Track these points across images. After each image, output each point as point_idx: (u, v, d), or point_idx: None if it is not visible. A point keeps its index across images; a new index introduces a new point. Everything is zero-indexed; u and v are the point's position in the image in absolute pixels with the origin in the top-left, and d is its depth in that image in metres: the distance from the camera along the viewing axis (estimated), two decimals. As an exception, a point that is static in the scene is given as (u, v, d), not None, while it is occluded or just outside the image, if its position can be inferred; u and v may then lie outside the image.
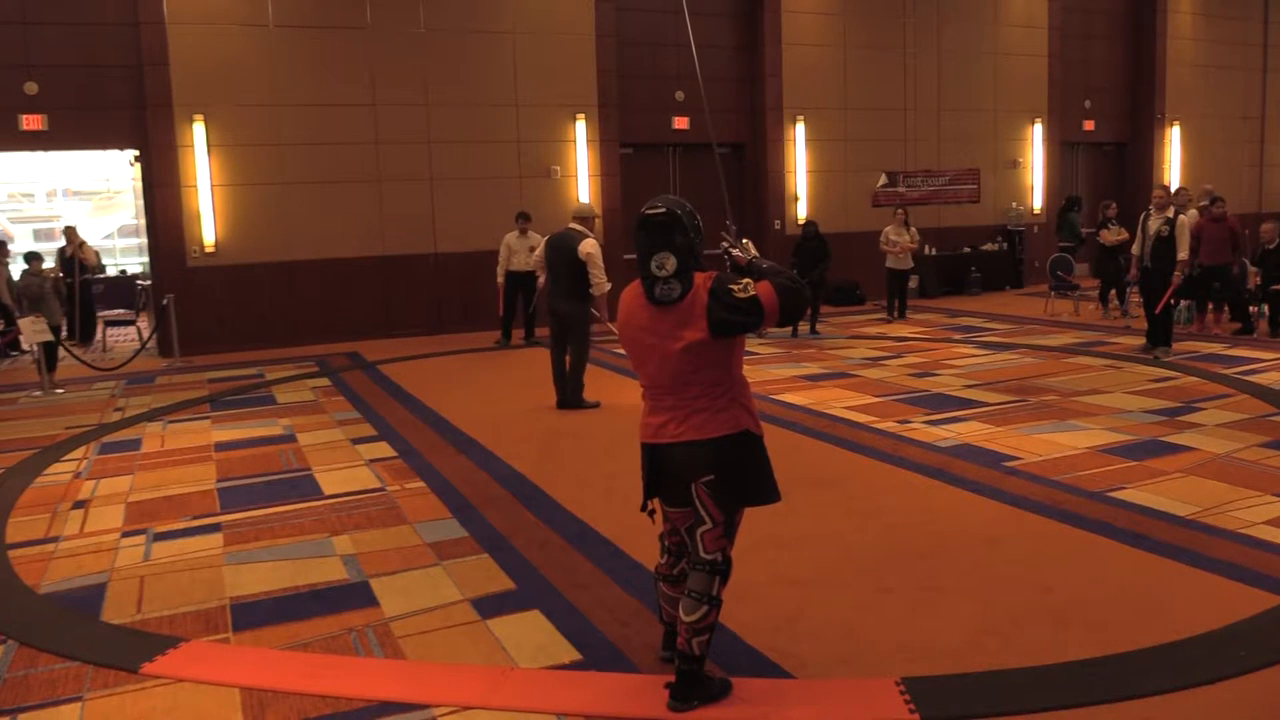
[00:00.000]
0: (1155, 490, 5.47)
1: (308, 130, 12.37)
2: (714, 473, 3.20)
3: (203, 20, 11.85)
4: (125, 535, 5.31)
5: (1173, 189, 14.48)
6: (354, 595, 4.36)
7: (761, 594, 4.21)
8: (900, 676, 3.45)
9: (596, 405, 8.18)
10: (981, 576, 4.37)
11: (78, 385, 10.20)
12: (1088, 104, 18.33)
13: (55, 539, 5.29)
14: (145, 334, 12.52)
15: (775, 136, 15.22)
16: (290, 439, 7.45)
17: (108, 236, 20.08)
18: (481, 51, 13.14)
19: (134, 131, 11.95)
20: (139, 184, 13.66)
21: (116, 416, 8.54)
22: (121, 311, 14.36)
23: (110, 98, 11.75)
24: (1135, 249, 10.09)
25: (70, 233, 13.78)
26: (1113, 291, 13.10)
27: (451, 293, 13.14)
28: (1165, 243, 9.63)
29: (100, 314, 13.99)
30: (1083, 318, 13.01)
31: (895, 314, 13.33)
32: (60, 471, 6.73)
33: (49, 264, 11.87)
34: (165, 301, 11.52)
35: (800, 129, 15.35)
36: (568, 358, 8.22)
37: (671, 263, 3.14)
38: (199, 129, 11.88)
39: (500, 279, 11.85)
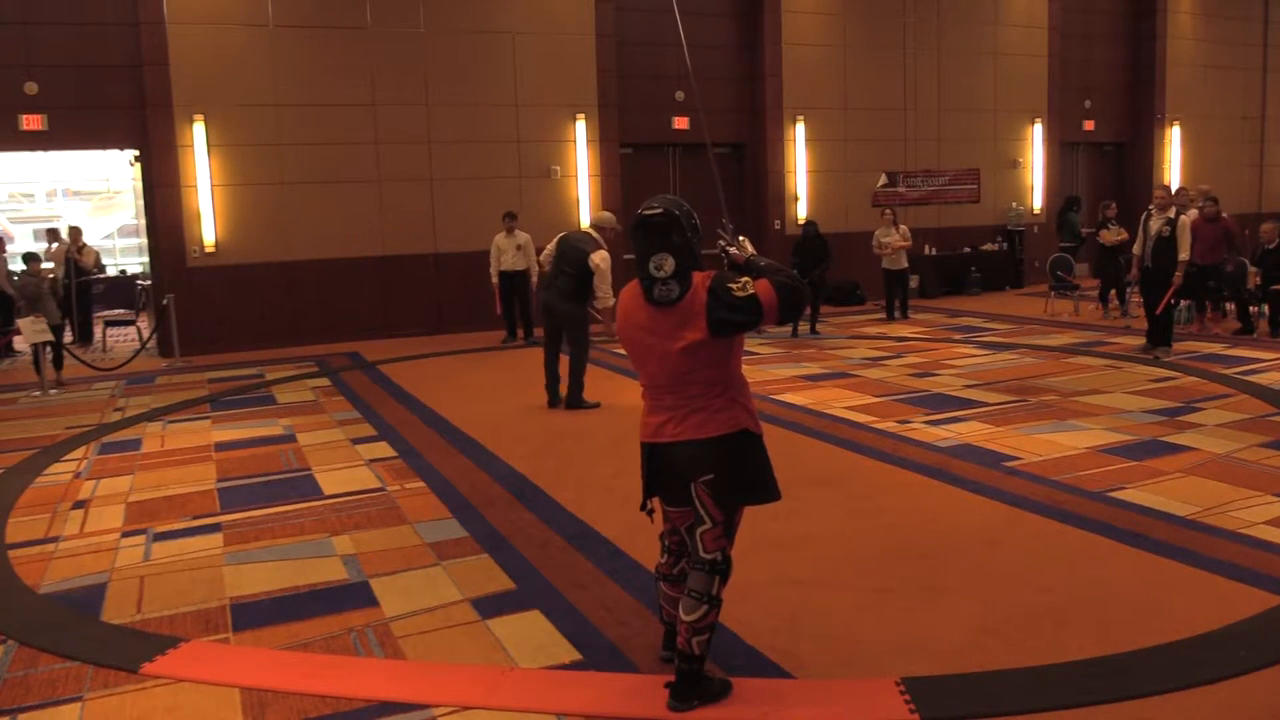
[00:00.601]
0: (1155, 490, 5.47)
1: (308, 130, 12.37)
2: (713, 472, 3.20)
3: (203, 20, 11.85)
4: (125, 535, 5.31)
5: (1173, 189, 14.49)
6: (354, 595, 4.35)
7: (761, 594, 4.20)
8: (900, 676, 3.45)
9: (597, 405, 8.18)
10: (981, 576, 4.37)
11: (78, 385, 10.20)
12: (1088, 104, 18.33)
13: (55, 539, 5.29)
14: (145, 334, 12.52)
15: (775, 136, 15.22)
16: (290, 439, 7.45)
17: (108, 236, 20.09)
18: (481, 51, 13.14)
19: (134, 131, 11.95)
20: (139, 184, 13.66)
21: (116, 416, 8.54)
22: (121, 311, 14.36)
23: (110, 98, 11.75)
24: (1136, 249, 10.09)
25: (75, 232, 13.80)
26: (1113, 291, 13.10)
27: (451, 293, 13.14)
28: (1166, 243, 9.64)
29: (100, 314, 13.99)
30: (1083, 318, 13.01)
31: (899, 314, 13.29)
32: (60, 471, 6.73)
33: (45, 263, 11.86)
34: (165, 301, 11.52)
35: (800, 129, 15.36)
36: (563, 357, 8.23)
37: (670, 263, 3.14)
38: (199, 129, 11.88)
39: (494, 279, 11.91)
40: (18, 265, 12.44)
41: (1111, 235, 13.04)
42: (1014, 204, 17.27)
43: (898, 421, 7.35)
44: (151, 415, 8.53)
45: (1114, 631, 3.75)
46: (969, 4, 16.57)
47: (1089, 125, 18.47)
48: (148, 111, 11.76)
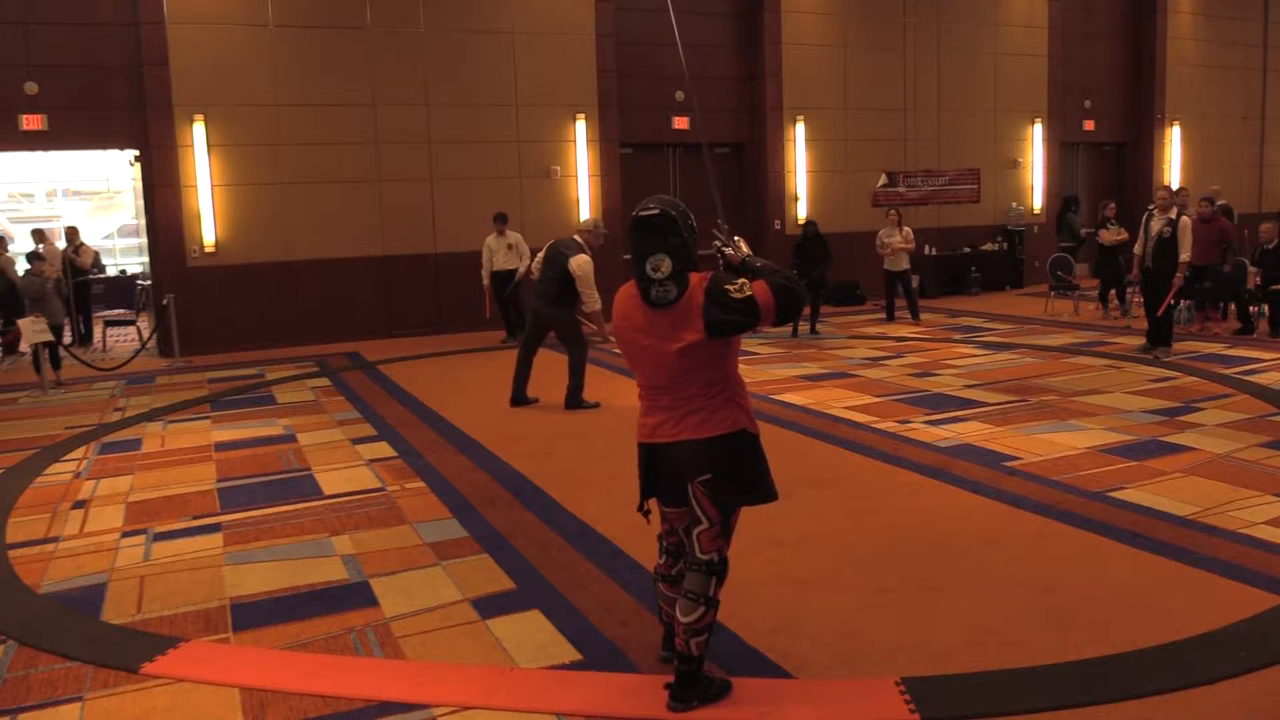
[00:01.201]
0: (1155, 490, 5.47)
1: (308, 130, 12.37)
2: (711, 472, 3.19)
3: (203, 20, 11.85)
4: (125, 535, 5.31)
5: (1174, 189, 14.48)
6: (354, 595, 4.35)
7: (761, 594, 4.21)
8: (900, 676, 3.45)
9: (596, 406, 8.19)
10: (981, 576, 4.37)
11: (78, 385, 10.20)
12: (1088, 104, 18.33)
13: (55, 539, 5.29)
14: (145, 334, 12.52)
15: (775, 136, 15.22)
16: (290, 439, 7.45)
17: (108, 236, 20.08)
18: (481, 51, 13.14)
19: (134, 131, 11.95)
20: (139, 184, 13.66)
21: (116, 416, 8.54)
22: (121, 311, 14.36)
23: (110, 98, 11.76)
24: (1137, 249, 10.08)
25: (71, 232, 13.80)
26: (1113, 291, 13.11)
27: (451, 293, 13.14)
28: (1167, 243, 9.64)
29: (100, 314, 13.99)
30: (1083, 318, 13.01)
31: (909, 315, 13.21)
32: (60, 471, 6.73)
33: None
34: (165, 301, 11.53)
35: (800, 129, 15.36)
36: (562, 359, 8.25)
37: (667, 264, 3.12)
38: (199, 129, 11.88)
39: (486, 281, 11.93)
40: (20, 265, 12.44)
41: (1111, 235, 13.05)
42: (1014, 204, 17.27)
43: (898, 421, 7.35)
44: (151, 415, 8.53)
45: (1114, 631, 3.75)
46: (969, 4, 16.57)
47: (1089, 125, 18.47)
48: (148, 111, 11.76)
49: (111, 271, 17.36)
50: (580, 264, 7.89)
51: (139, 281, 15.50)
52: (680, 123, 14.79)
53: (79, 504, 5.93)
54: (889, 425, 7.24)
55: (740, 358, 3.46)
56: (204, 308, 12.04)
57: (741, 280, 3.14)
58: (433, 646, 3.83)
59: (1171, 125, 18.76)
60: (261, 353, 12.05)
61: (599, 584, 4.40)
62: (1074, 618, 3.90)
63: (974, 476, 5.86)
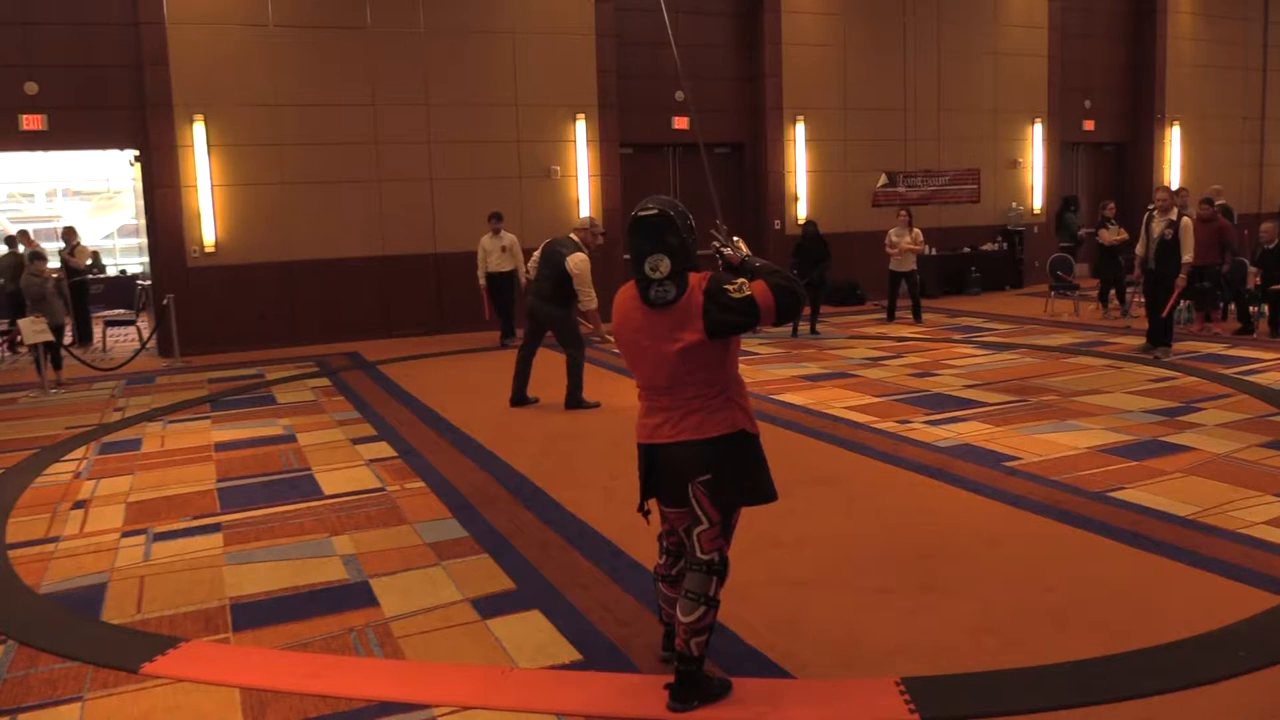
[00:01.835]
0: (1155, 490, 5.47)
1: (308, 130, 12.37)
2: (711, 472, 3.19)
3: (203, 20, 11.85)
4: (125, 535, 5.31)
5: (1173, 189, 14.48)
6: (354, 595, 4.36)
7: (761, 594, 4.21)
8: (900, 676, 3.45)
9: (596, 405, 8.19)
10: (981, 576, 4.37)
11: (78, 385, 10.20)
12: (1088, 104, 18.33)
13: (55, 539, 5.29)
14: (145, 334, 12.52)
15: (775, 136, 15.22)
16: (290, 439, 7.45)
17: (108, 236, 20.09)
18: (481, 51, 13.14)
19: (134, 131, 11.95)
20: (139, 184, 13.66)
21: (116, 416, 8.54)
22: (121, 311, 14.36)
23: (110, 98, 11.76)
24: (1139, 249, 10.06)
25: (68, 233, 13.80)
26: (1113, 291, 13.10)
27: (451, 293, 13.14)
28: (1169, 245, 9.63)
29: (100, 314, 13.98)
30: (1083, 318, 13.01)
31: (912, 317, 13.18)
32: (60, 471, 6.73)
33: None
34: (165, 301, 11.53)
35: (800, 129, 15.36)
36: (561, 359, 8.25)
37: (666, 265, 3.12)
38: (199, 129, 11.88)
39: (482, 281, 11.89)
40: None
41: (1111, 235, 13.05)
42: (1014, 204, 17.27)
43: (898, 421, 7.35)
44: (151, 415, 8.53)
45: (1114, 631, 3.75)
46: (969, 4, 16.56)
47: (1089, 125, 18.47)
48: (148, 111, 11.76)
49: (111, 271, 17.37)
50: (577, 262, 7.88)
51: (139, 281, 15.50)
52: (680, 123, 14.79)
53: (79, 504, 5.93)
54: (889, 425, 7.24)
55: (740, 358, 3.47)
56: (204, 308, 12.04)
57: (740, 280, 3.13)
58: (433, 646, 3.83)
59: (1171, 125, 18.75)
60: (261, 353, 12.05)
61: (599, 584, 4.40)
62: (1074, 618, 3.90)
63: (974, 476, 5.86)
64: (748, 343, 11.36)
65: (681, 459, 3.22)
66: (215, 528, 5.37)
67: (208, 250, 12.13)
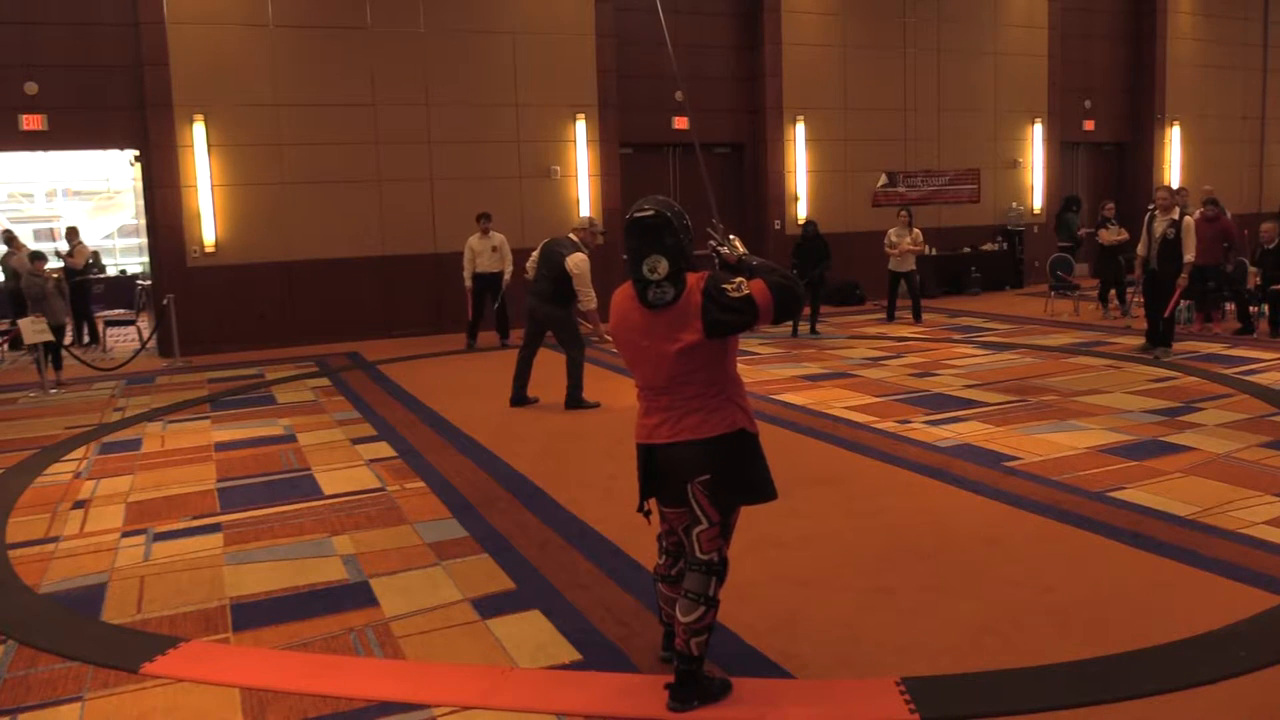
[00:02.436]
0: (1155, 490, 5.47)
1: (308, 130, 12.37)
2: (710, 472, 3.19)
3: (203, 20, 11.85)
4: (125, 535, 5.31)
5: (1174, 189, 14.47)
6: (354, 595, 4.35)
7: (761, 594, 4.21)
8: (900, 676, 3.45)
9: (596, 405, 8.19)
10: (981, 576, 4.37)
11: (78, 385, 10.20)
12: (1088, 104, 18.33)
13: (55, 539, 5.29)
14: (145, 334, 12.52)
15: (775, 136, 15.22)
16: (290, 439, 7.45)
17: (108, 236, 20.08)
18: (481, 51, 13.14)
19: (134, 131, 11.95)
20: (139, 184, 13.66)
21: (116, 416, 8.54)
22: (121, 311, 14.36)
23: (110, 98, 11.76)
24: (1141, 250, 10.05)
25: (70, 233, 13.82)
26: (1113, 291, 13.10)
27: (452, 293, 13.12)
28: (1172, 244, 9.62)
29: (100, 314, 13.97)
30: (1083, 318, 13.01)
31: (912, 317, 13.17)
32: (60, 471, 6.73)
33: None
34: (165, 301, 11.53)
35: (800, 129, 15.36)
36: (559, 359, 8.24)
37: (663, 266, 3.11)
38: (199, 129, 11.88)
39: (468, 282, 11.87)
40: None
41: (1111, 235, 13.04)
42: (1014, 204, 17.27)
43: (898, 421, 7.35)
44: (151, 415, 8.53)
45: (1114, 631, 3.75)
46: (969, 4, 16.56)
47: (1089, 125, 18.47)
48: (148, 111, 11.76)
49: (111, 271, 17.36)
50: (577, 262, 7.88)
51: (139, 281, 15.50)
52: (680, 123, 14.79)
53: (79, 504, 5.93)
54: (889, 425, 7.24)
55: (740, 358, 3.49)
56: (204, 308, 12.04)
57: (739, 279, 3.12)
58: (433, 646, 3.83)
59: (1171, 125, 18.75)
60: (261, 353, 12.05)
61: (599, 584, 4.40)
62: (1074, 618, 3.90)
63: (974, 476, 5.86)
64: (748, 343, 11.37)
65: (681, 459, 3.21)
66: (215, 528, 5.37)
67: (208, 250, 12.13)
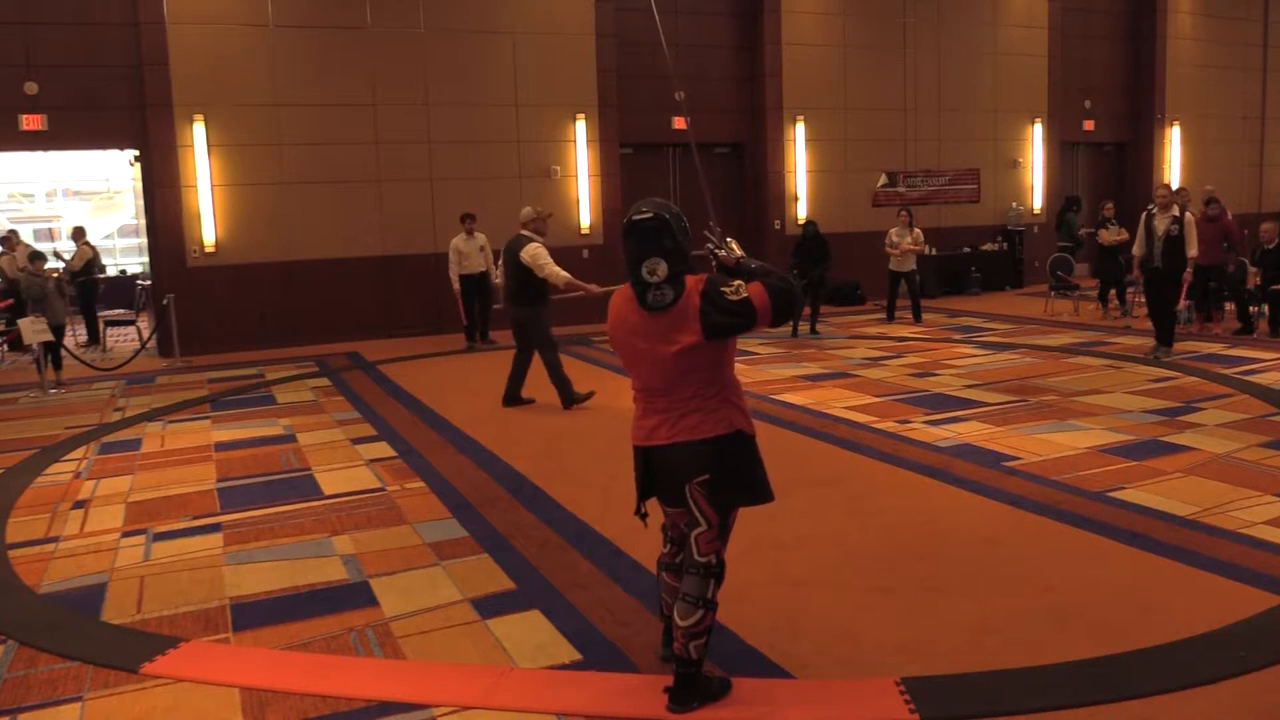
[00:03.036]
0: (1155, 490, 5.47)
1: (308, 130, 12.37)
2: (709, 473, 3.19)
3: (203, 20, 11.86)
4: (125, 535, 5.31)
5: (1173, 188, 14.46)
6: (354, 595, 4.35)
7: (761, 594, 4.20)
8: (900, 676, 3.45)
9: (590, 395, 8.15)
10: (981, 576, 4.37)
11: (78, 385, 10.20)
12: (1088, 104, 18.33)
13: (55, 539, 5.29)
14: (145, 334, 12.52)
15: (775, 136, 15.22)
16: (290, 439, 7.45)
17: (108, 236, 20.06)
18: (481, 51, 13.14)
19: (134, 131, 11.96)
20: (139, 184, 13.67)
21: (116, 416, 8.54)
22: (121, 311, 14.36)
23: (110, 98, 11.76)
24: (1137, 249, 10.04)
25: (77, 232, 13.85)
26: (1113, 291, 13.10)
27: (451, 293, 13.12)
28: (1176, 241, 9.63)
29: (100, 314, 13.96)
30: (1083, 318, 13.01)
31: (912, 317, 13.16)
32: (60, 471, 6.73)
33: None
34: (165, 301, 11.53)
35: (800, 129, 15.36)
36: (558, 362, 8.22)
37: (663, 268, 3.11)
38: (199, 129, 11.89)
39: (455, 285, 11.86)
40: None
41: (1111, 235, 13.04)
42: (1014, 204, 17.27)
43: (898, 421, 7.35)
44: (151, 415, 8.53)
45: (1114, 631, 3.75)
46: (969, 4, 16.57)
47: (1089, 125, 18.47)
48: (148, 111, 11.76)
49: (111, 271, 17.35)
50: (530, 251, 7.90)
51: (139, 281, 15.50)
52: (680, 123, 14.78)
53: (79, 504, 5.93)
54: (889, 425, 7.24)
55: (740, 358, 3.52)
56: (204, 308, 12.04)
57: (737, 282, 3.13)
58: (433, 646, 3.83)
59: (1171, 125, 18.76)
60: (261, 353, 12.05)
61: (599, 584, 4.40)
62: (1074, 618, 3.90)
63: (974, 476, 5.85)
64: (747, 343, 11.36)
65: (678, 460, 3.21)
66: (215, 528, 5.37)
67: (208, 250, 12.13)
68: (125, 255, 20.00)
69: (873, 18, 15.80)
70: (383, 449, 7.05)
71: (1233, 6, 19.30)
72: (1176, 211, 9.75)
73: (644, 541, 4.78)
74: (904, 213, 13.42)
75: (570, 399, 8.17)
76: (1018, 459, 6.21)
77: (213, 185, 12.06)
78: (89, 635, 4.05)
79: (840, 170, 15.80)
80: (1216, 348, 10.31)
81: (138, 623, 4.16)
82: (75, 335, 13.22)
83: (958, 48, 16.50)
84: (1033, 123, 17.30)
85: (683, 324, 3.12)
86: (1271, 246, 11.05)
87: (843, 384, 8.94)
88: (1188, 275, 9.71)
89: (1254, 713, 3.20)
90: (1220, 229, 11.49)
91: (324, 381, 10.01)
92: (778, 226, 15.35)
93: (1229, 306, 11.80)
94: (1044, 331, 11.89)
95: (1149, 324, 10.37)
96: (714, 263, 3.34)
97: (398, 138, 12.80)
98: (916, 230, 13.21)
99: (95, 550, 5.08)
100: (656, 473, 3.31)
